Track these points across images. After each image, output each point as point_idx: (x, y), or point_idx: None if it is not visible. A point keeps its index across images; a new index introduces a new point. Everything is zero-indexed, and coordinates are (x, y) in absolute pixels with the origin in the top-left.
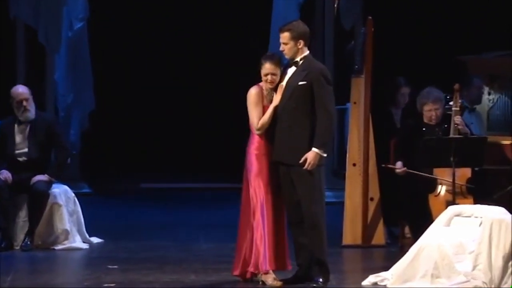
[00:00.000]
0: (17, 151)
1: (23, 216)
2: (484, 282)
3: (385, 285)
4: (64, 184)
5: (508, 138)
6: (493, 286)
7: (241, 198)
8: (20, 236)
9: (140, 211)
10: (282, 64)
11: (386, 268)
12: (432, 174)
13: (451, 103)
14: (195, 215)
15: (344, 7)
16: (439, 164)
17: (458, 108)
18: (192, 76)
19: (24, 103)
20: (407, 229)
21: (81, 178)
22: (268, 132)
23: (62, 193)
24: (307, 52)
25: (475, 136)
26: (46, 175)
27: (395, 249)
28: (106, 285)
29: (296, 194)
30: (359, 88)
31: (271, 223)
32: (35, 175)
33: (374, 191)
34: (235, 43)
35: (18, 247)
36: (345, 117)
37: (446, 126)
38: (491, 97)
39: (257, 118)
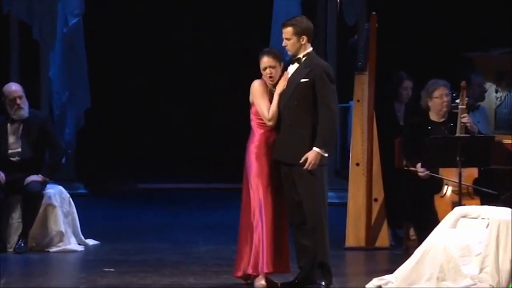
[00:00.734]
0: (10, 151)
1: (16, 217)
2: (491, 285)
3: None
4: (59, 185)
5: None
6: None
7: (241, 199)
8: (13, 238)
9: (137, 212)
10: (283, 59)
11: (391, 271)
12: (437, 174)
13: (457, 101)
14: (194, 216)
15: (347, 2)
16: (445, 164)
17: (464, 106)
18: (191, 74)
19: (18, 101)
20: (412, 231)
21: (76, 178)
22: (271, 130)
23: (56, 193)
24: (310, 49)
25: (482, 135)
26: (40, 175)
27: (400, 251)
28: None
29: (298, 195)
30: (362, 86)
31: (271, 224)
32: (28, 175)
33: (378, 192)
34: (235, 40)
35: (11, 249)
36: (348, 116)
37: (452, 124)
38: (498, 95)
39: (266, 109)
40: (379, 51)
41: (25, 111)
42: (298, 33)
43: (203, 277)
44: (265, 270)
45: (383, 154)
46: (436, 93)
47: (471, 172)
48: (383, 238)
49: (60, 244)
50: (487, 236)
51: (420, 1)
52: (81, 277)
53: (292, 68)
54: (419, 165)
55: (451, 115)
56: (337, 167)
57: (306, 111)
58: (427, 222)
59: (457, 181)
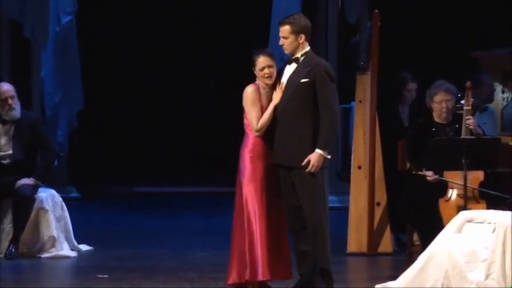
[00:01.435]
0: (1, 153)
1: (7, 222)
2: None
3: None
4: (51, 188)
5: None
6: None
7: (235, 203)
8: (4, 243)
9: (132, 216)
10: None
11: (394, 277)
12: (442, 177)
13: (462, 101)
14: (191, 221)
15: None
16: (449, 167)
17: (470, 107)
18: (186, 75)
19: (9, 101)
20: (415, 236)
21: (69, 181)
22: (265, 133)
23: (48, 197)
24: (308, 48)
25: (488, 137)
26: (31, 178)
27: (403, 257)
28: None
29: (298, 199)
30: (364, 86)
31: (266, 230)
32: (20, 178)
33: (381, 196)
34: (232, 40)
35: (2, 255)
36: (349, 117)
37: (457, 126)
38: (505, 95)
39: (255, 118)
40: (382, 50)
41: (17, 112)
42: (296, 32)
43: (199, 284)
44: (261, 278)
45: (385, 156)
46: (437, 98)
47: (477, 175)
48: (386, 244)
49: (52, 249)
50: (493, 242)
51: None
52: (73, 283)
53: (290, 68)
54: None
55: (457, 116)
56: (338, 170)
57: (306, 112)
58: (431, 227)
59: (462, 183)
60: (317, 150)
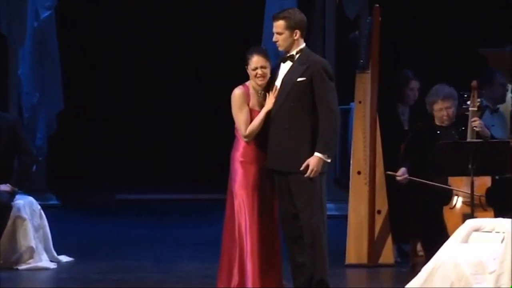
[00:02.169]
0: None
1: None
2: None
3: None
4: (29, 195)
5: None
6: None
7: (225, 210)
8: None
9: (115, 226)
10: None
11: None
12: (446, 185)
13: (468, 102)
14: (178, 230)
15: None
16: (455, 172)
17: (475, 109)
18: (174, 74)
19: None
20: (419, 246)
21: (48, 188)
22: (257, 136)
23: (26, 205)
24: (303, 45)
25: (497, 140)
26: (8, 184)
27: (406, 268)
28: None
29: (294, 206)
30: (364, 86)
31: (258, 241)
32: None
33: (382, 203)
34: (223, 36)
35: None
36: (348, 119)
37: (463, 128)
38: None
39: (244, 123)
40: (383, 48)
41: None
42: (291, 27)
43: None
44: (252, 286)
45: (387, 161)
46: (436, 107)
47: (484, 181)
48: (387, 254)
49: (30, 260)
50: (502, 252)
51: None
52: None
53: (285, 66)
54: (402, 169)
55: (462, 118)
56: (337, 176)
57: (303, 113)
58: (435, 236)
59: (468, 191)
60: (316, 154)
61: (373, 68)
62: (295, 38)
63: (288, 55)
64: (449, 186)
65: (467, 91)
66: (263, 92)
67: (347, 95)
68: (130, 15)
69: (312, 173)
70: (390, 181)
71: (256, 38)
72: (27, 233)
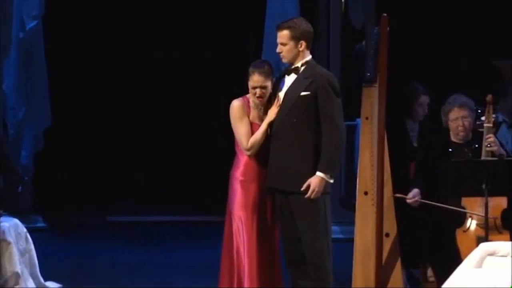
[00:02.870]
0: None
1: None
2: None
3: None
4: (14, 217)
5: None
6: None
7: (224, 234)
8: None
9: (106, 249)
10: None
11: None
12: (459, 205)
13: (482, 118)
14: (173, 254)
15: (353, 2)
16: (468, 193)
17: (491, 125)
18: (168, 87)
19: None
20: (429, 271)
21: (34, 209)
22: (259, 152)
23: (11, 228)
24: (309, 57)
25: None
26: None
27: None
28: None
29: (297, 229)
30: (371, 100)
31: (257, 265)
32: None
33: (390, 225)
34: (221, 48)
35: None
36: (354, 135)
37: (477, 146)
38: None
39: (245, 135)
40: (391, 60)
41: None
42: (296, 38)
43: None
44: None
45: (395, 180)
46: (452, 115)
47: (499, 202)
48: (396, 280)
49: (15, 287)
50: None
51: (438, 0)
52: None
53: (289, 79)
54: (414, 190)
55: (476, 135)
56: (342, 196)
57: (306, 129)
58: (447, 261)
59: (483, 213)
60: (318, 173)
61: (381, 81)
62: (300, 49)
63: (293, 67)
64: (462, 207)
65: (481, 106)
66: (260, 105)
67: (353, 110)
68: (122, 28)
69: (313, 193)
70: (399, 201)
71: (257, 54)
72: (12, 258)
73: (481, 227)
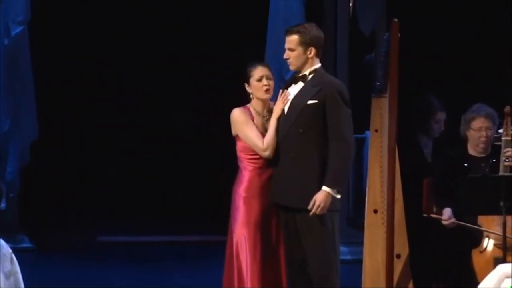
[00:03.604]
0: None
1: None
2: None
3: None
4: None
5: None
6: None
7: (225, 254)
8: None
9: (96, 271)
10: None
11: None
12: (476, 223)
13: (500, 131)
14: (171, 276)
15: (362, 7)
16: (485, 211)
17: (509, 138)
18: (163, 97)
19: None
20: None
21: (20, 228)
22: (264, 167)
23: None
24: (318, 65)
25: None
26: None
27: None
28: None
29: (302, 250)
30: (381, 112)
31: (260, 285)
32: None
33: (402, 246)
34: (220, 55)
35: None
36: (363, 149)
37: (494, 160)
38: None
39: (257, 137)
40: (402, 68)
41: None
42: (305, 43)
43: None
44: None
45: (407, 198)
46: (475, 124)
47: None
48: None
49: None
50: None
51: (454, 5)
52: None
53: (295, 88)
54: (446, 210)
55: (494, 149)
56: (350, 215)
57: (313, 141)
58: (463, 283)
59: (500, 232)
60: (324, 188)
61: (391, 91)
62: (309, 56)
63: (300, 75)
64: (479, 226)
65: (499, 118)
66: (268, 114)
67: (362, 122)
68: (112, 35)
69: (319, 209)
70: (410, 220)
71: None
72: None
73: (498, 248)
